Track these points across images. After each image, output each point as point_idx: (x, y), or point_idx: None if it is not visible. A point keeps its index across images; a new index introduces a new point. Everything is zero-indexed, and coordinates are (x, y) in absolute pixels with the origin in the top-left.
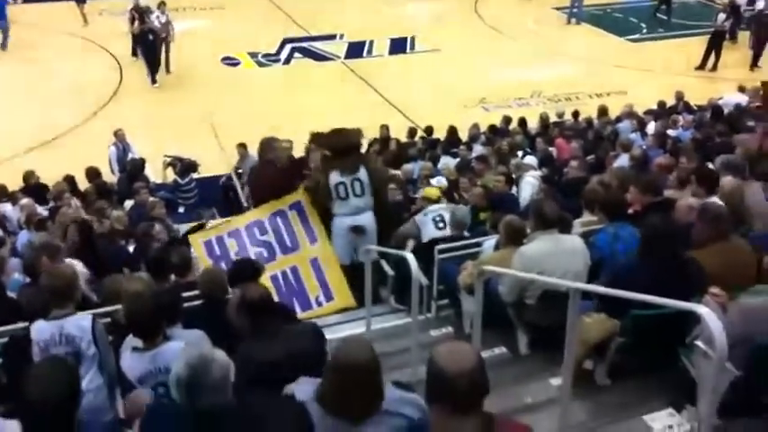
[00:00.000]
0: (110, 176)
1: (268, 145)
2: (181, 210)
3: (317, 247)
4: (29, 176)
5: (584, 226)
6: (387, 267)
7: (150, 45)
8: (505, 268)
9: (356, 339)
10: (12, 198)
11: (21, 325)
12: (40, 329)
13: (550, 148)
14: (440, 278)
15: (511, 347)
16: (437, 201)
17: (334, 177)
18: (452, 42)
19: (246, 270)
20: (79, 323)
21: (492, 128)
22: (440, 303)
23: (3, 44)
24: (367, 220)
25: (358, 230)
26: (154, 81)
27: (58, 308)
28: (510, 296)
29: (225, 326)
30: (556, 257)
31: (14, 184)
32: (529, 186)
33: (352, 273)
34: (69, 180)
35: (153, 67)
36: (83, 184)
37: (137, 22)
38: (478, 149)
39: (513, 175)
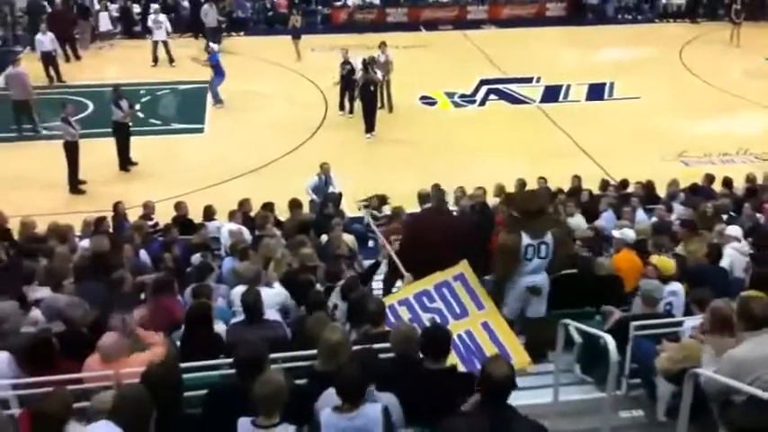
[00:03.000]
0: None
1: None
2: (371, 244)
3: (485, 312)
4: (243, 203)
5: None
6: (575, 334)
7: (370, 96)
8: (710, 358)
9: None
10: (230, 218)
11: None
12: None
13: (758, 215)
14: (633, 355)
15: None
16: (668, 278)
17: (525, 240)
18: (653, 90)
19: (442, 336)
20: None
21: (694, 187)
22: (631, 382)
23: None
24: (543, 280)
25: (535, 291)
26: (371, 129)
27: (266, 417)
28: (715, 397)
29: (417, 389)
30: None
31: (223, 208)
32: (728, 259)
33: (520, 330)
34: (269, 208)
35: (372, 117)
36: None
37: (360, 73)
38: (679, 209)
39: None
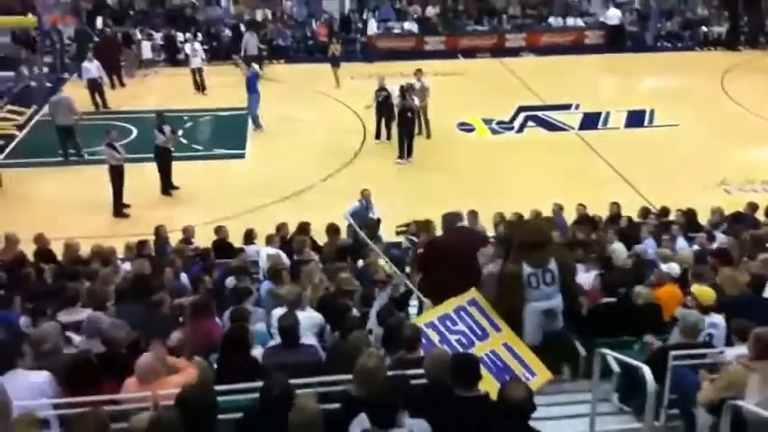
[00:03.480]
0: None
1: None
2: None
3: (503, 334)
4: (281, 228)
5: None
6: (613, 363)
7: (408, 122)
8: (756, 386)
9: None
10: (268, 242)
11: None
12: None
13: None
14: (672, 386)
15: None
16: (708, 309)
17: (526, 269)
18: (694, 117)
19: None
20: None
21: (737, 215)
22: (670, 412)
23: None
24: (557, 303)
25: (549, 314)
26: (402, 156)
27: None
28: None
29: (448, 416)
30: None
31: (262, 232)
32: None
33: (541, 351)
34: (305, 229)
35: (408, 142)
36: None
37: (398, 99)
38: (721, 238)
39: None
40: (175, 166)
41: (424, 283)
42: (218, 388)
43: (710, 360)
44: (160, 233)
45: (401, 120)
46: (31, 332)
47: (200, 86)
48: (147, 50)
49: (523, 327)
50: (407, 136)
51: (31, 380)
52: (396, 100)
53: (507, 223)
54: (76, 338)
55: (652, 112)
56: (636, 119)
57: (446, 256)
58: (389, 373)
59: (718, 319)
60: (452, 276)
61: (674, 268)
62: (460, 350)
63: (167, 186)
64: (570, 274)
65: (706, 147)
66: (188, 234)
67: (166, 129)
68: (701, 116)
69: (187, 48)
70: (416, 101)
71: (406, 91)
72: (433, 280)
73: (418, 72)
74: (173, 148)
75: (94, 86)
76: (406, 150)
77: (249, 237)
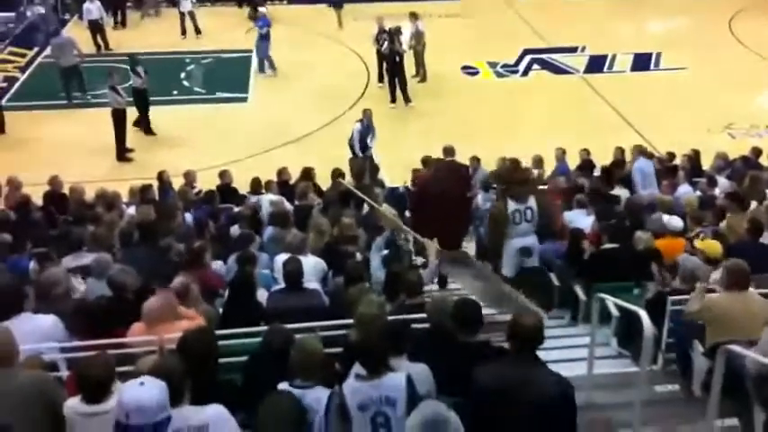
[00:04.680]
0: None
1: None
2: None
3: None
4: (282, 172)
5: None
6: (612, 308)
7: (397, 66)
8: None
9: None
10: (267, 188)
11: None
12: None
13: None
14: (670, 330)
15: (746, 421)
16: (716, 262)
17: (511, 205)
18: (701, 61)
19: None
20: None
21: (742, 159)
22: (668, 356)
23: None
24: (532, 242)
25: (525, 252)
26: (393, 101)
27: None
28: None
29: (449, 361)
30: None
31: (264, 177)
32: None
33: (519, 283)
34: (307, 173)
35: (394, 87)
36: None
37: (386, 43)
38: (723, 183)
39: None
40: (177, 109)
41: (416, 218)
42: (224, 332)
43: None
44: (163, 179)
45: (390, 64)
46: (41, 276)
47: (194, 30)
48: None
49: (504, 260)
50: (400, 81)
51: (37, 323)
52: (385, 44)
53: (492, 173)
54: (80, 286)
55: (659, 55)
56: (642, 62)
57: (433, 191)
58: (390, 317)
59: None
60: (442, 211)
61: (675, 221)
62: None
63: (148, 127)
64: (547, 210)
65: (712, 91)
66: (190, 179)
67: (140, 70)
68: (709, 60)
69: None
70: (404, 46)
71: (393, 35)
72: (423, 215)
73: (412, 16)
74: (147, 89)
75: (95, 28)
76: (398, 95)
77: (256, 185)
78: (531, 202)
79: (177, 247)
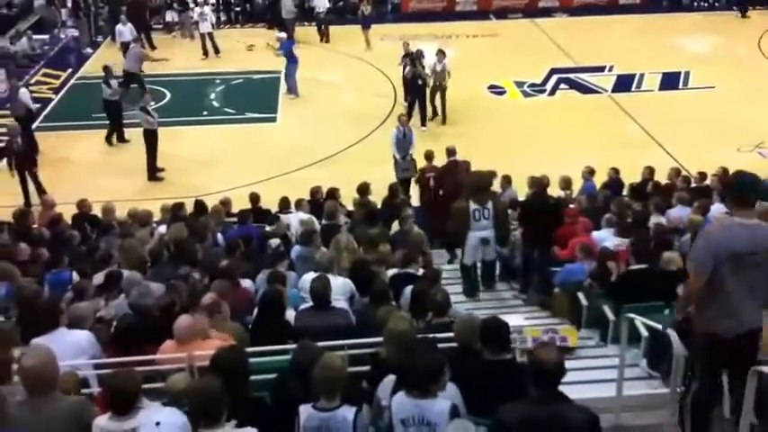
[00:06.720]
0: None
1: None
2: None
3: None
4: (315, 192)
5: None
6: (641, 328)
7: (418, 90)
8: None
9: None
10: (298, 207)
11: None
12: (309, 417)
13: None
14: None
15: None
16: None
17: (472, 206)
18: (730, 80)
19: (500, 327)
20: (345, 417)
21: None
22: None
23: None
24: (490, 234)
25: (484, 242)
26: (424, 124)
27: (327, 399)
28: None
29: (476, 379)
30: None
31: (294, 196)
32: None
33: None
34: (332, 194)
35: (420, 110)
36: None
37: (408, 67)
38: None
39: None
40: (207, 129)
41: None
42: (253, 349)
43: None
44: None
45: (411, 87)
46: (68, 310)
47: (212, 51)
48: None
49: (465, 249)
50: (420, 104)
51: (73, 339)
52: (407, 68)
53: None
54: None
55: (687, 74)
56: (670, 81)
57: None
58: (418, 336)
59: None
60: (441, 205)
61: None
62: None
63: (121, 137)
64: (501, 214)
65: (742, 110)
66: (227, 208)
67: (113, 82)
68: (738, 78)
69: (196, 12)
70: (430, 81)
71: (416, 58)
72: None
73: (440, 53)
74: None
75: (128, 49)
76: (421, 117)
77: (284, 205)
78: (490, 204)
79: (194, 277)
